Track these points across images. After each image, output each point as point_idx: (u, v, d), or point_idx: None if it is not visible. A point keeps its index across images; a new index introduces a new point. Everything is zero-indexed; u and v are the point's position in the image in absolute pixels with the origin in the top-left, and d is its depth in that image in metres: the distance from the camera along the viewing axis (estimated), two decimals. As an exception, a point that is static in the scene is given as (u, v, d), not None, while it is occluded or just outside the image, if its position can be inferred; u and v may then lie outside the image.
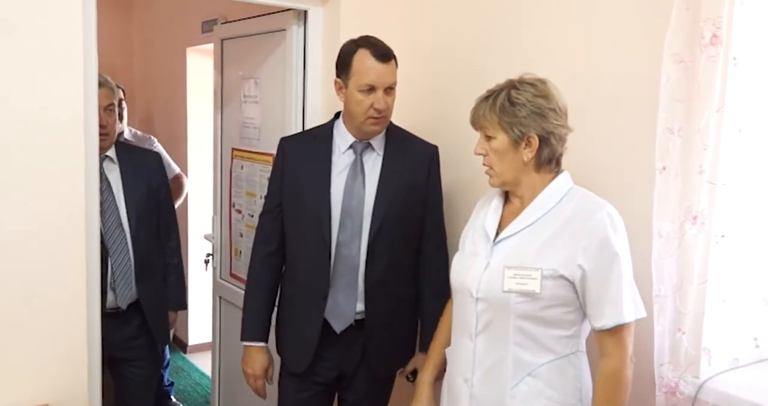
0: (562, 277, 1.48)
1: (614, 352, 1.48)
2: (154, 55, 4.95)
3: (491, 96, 1.57)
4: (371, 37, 1.97)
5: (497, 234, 1.60)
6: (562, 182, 1.57)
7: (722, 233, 1.53)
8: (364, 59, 1.91)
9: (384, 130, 2.03)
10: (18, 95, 1.78)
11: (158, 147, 3.71)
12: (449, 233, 2.18)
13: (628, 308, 1.46)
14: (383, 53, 1.92)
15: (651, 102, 1.58)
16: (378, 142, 2.03)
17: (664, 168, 1.54)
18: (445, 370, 1.76)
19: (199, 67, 4.41)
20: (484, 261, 1.58)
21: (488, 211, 1.67)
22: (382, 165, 2.01)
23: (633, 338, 1.50)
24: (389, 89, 1.94)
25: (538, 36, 1.99)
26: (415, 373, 2.12)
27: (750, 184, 1.57)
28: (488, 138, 1.58)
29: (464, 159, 2.24)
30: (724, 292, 1.57)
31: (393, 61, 1.95)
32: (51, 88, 1.83)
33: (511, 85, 1.55)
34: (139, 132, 3.80)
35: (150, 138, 3.77)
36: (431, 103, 2.40)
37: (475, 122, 1.61)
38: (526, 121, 1.51)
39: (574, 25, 1.89)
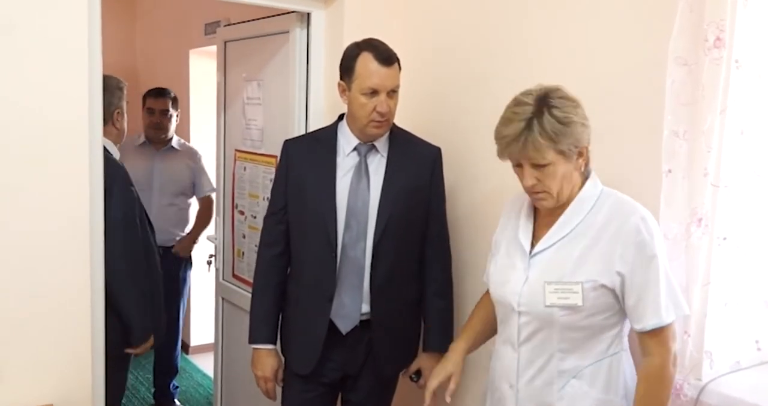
0: (603, 286, 1.49)
1: (657, 351, 1.48)
2: (157, 56, 4.95)
3: (530, 123, 1.43)
4: (375, 40, 1.98)
5: (533, 245, 1.60)
6: (591, 186, 1.56)
7: (724, 235, 1.54)
8: (367, 63, 1.92)
9: (387, 133, 2.04)
10: (22, 96, 1.79)
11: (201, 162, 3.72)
12: (452, 232, 2.19)
13: (667, 310, 1.46)
14: (386, 57, 1.93)
15: (656, 105, 1.58)
16: (382, 144, 2.04)
17: (669, 171, 1.55)
18: (476, 345, 1.84)
19: (202, 68, 4.42)
20: (523, 275, 1.58)
21: (520, 221, 1.64)
22: (386, 167, 2.02)
23: (675, 337, 1.50)
24: (392, 92, 1.95)
25: (540, 38, 1.99)
26: (418, 373, 2.13)
27: (753, 186, 1.57)
28: (539, 165, 1.47)
29: (466, 160, 2.24)
30: (726, 295, 1.57)
31: (396, 64, 1.96)
32: (55, 88, 1.83)
33: (545, 104, 1.45)
34: (187, 143, 3.83)
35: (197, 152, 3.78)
36: (434, 104, 2.40)
37: (522, 156, 1.47)
38: (581, 135, 1.47)
39: (576, 28, 1.88)
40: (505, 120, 1.49)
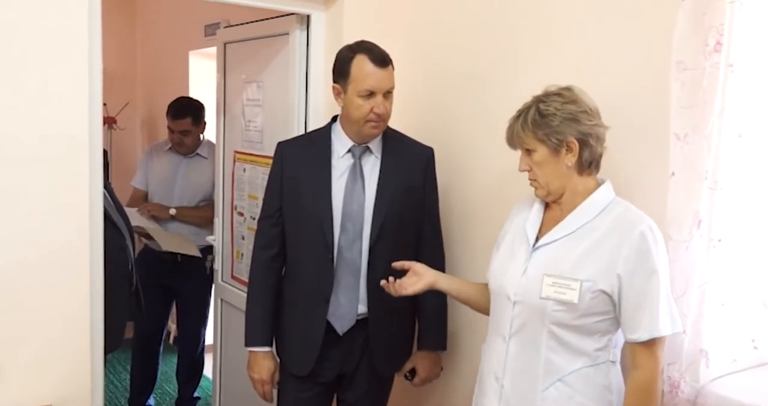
0: (601, 290, 1.50)
1: (646, 364, 1.48)
2: (157, 58, 4.96)
3: (521, 115, 1.59)
4: (368, 42, 1.99)
5: (537, 239, 1.62)
6: (604, 193, 1.58)
7: (720, 237, 1.54)
8: (362, 65, 1.92)
9: (381, 134, 2.05)
10: (21, 97, 1.79)
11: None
12: (445, 232, 2.20)
13: (664, 322, 1.46)
14: (381, 59, 1.93)
15: (661, 109, 1.59)
16: (375, 146, 2.05)
17: (673, 174, 1.56)
18: (457, 292, 1.83)
19: (202, 70, 4.42)
20: (522, 266, 1.60)
21: (530, 214, 1.68)
22: (381, 168, 2.03)
23: (665, 352, 1.50)
24: (387, 93, 1.96)
25: (539, 42, 2.00)
26: (413, 372, 2.14)
27: (750, 188, 1.58)
28: (529, 152, 1.59)
29: (459, 160, 2.26)
30: (723, 295, 1.58)
31: (390, 65, 1.96)
32: (54, 90, 1.84)
33: (538, 100, 1.58)
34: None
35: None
36: (430, 106, 2.41)
37: (512, 141, 1.63)
38: (560, 128, 1.53)
39: (574, 31, 1.89)
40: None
